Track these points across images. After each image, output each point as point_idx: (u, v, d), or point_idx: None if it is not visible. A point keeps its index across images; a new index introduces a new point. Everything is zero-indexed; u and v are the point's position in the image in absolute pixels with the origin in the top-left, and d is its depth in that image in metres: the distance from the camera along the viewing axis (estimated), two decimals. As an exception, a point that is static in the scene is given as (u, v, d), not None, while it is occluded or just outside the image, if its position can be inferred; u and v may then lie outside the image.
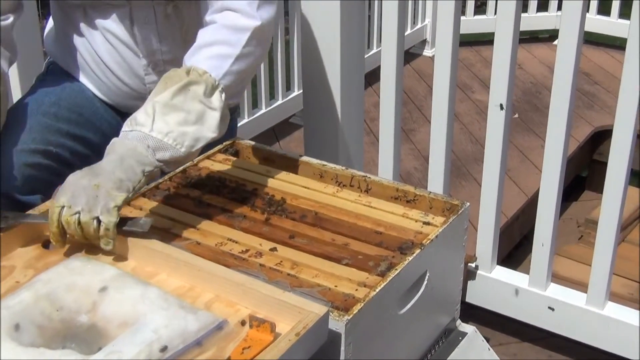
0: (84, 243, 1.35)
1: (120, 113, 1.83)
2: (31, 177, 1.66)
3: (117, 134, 1.82)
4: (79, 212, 1.30)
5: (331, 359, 1.26)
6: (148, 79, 1.75)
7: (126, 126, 1.44)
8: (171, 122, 1.42)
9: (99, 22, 1.70)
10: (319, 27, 2.11)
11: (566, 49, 1.81)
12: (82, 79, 1.81)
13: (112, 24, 1.69)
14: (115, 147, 1.41)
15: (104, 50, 1.73)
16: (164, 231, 1.49)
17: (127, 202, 1.41)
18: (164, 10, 1.69)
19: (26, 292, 1.19)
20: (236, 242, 1.46)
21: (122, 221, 1.34)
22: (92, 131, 1.79)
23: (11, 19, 1.63)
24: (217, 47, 1.52)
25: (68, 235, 1.34)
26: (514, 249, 2.89)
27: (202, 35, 1.55)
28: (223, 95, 1.49)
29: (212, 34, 1.54)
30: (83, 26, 1.72)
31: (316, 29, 2.11)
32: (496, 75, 1.92)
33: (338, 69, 2.03)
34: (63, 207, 1.31)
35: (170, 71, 1.50)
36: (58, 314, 1.17)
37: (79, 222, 1.30)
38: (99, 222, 1.31)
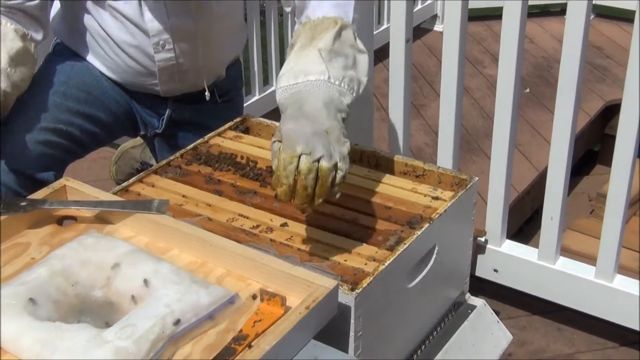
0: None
1: (128, 91, 1.85)
2: (43, 154, 1.68)
3: (125, 112, 1.85)
4: (320, 159, 1.22)
5: (341, 331, 1.28)
6: (158, 57, 1.76)
7: (293, 78, 1.36)
8: (338, 68, 1.37)
9: (107, 2, 1.71)
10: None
11: (575, 22, 1.81)
12: (90, 57, 1.82)
13: (120, 3, 1.70)
14: (308, 97, 1.32)
15: (113, 28, 1.74)
16: (176, 207, 1.51)
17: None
18: None
19: (42, 268, 1.21)
20: (247, 218, 1.48)
21: (136, 203, 1.37)
22: (101, 109, 1.81)
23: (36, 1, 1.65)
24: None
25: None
26: (525, 223, 2.90)
27: None
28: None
29: None
30: (91, 5, 1.73)
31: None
32: (505, 49, 1.92)
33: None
34: (300, 155, 1.22)
35: (310, 22, 1.45)
36: (73, 289, 1.20)
37: (320, 170, 1.23)
38: (335, 170, 1.24)
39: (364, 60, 1.44)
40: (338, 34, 1.42)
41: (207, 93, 1.85)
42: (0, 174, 1.63)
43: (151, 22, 1.72)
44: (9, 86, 1.57)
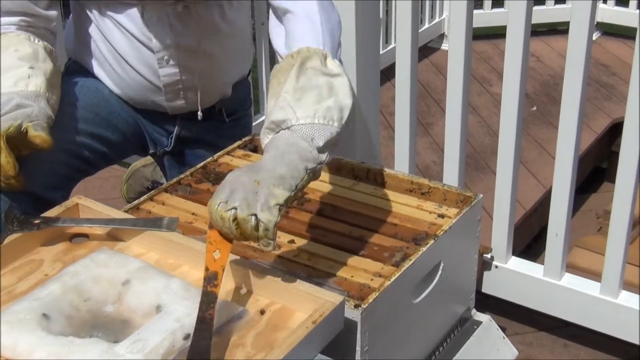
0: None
1: (137, 110, 1.87)
2: (51, 174, 1.70)
3: (134, 132, 1.88)
4: (235, 208, 1.22)
5: (348, 346, 1.30)
6: (162, 72, 1.78)
7: (269, 133, 1.36)
8: (310, 104, 1.35)
9: (113, 18, 1.74)
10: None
11: (577, 40, 1.83)
12: (99, 73, 1.83)
13: (125, 19, 1.73)
14: (276, 143, 1.33)
15: (120, 42, 1.76)
16: (186, 225, 1.54)
17: (288, 202, 1.26)
18: (174, 10, 1.71)
19: (55, 284, 1.24)
20: (255, 235, 1.50)
21: (147, 221, 1.40)
22: (109, 129, 1.83)
23: (55, 12, 1.69)
24: (305, 25, 1.49)
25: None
26: (533, 241, 2.91)
27: (288, 25, 1.54)
28: (335, 60, 1.46)
29: (294, 22, 1.52)
30: (99, 20, 1.75)
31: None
32: (509, 67, 1.95)
33: (354, 65, 2.06)
34: (219, 203, 1.23)
35: (275, 66, 1.47)
36: (85, 305, 1.23)
37: (235, 219, 1.22)
38: (258, 220, 1.21)
39: (341, 82, 1.42)
40: (300, 69, 1.40)
41: (199, 113, 1.84)
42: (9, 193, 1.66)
43: (155, 39, 1.74)
44: (52, 112, 1.59)
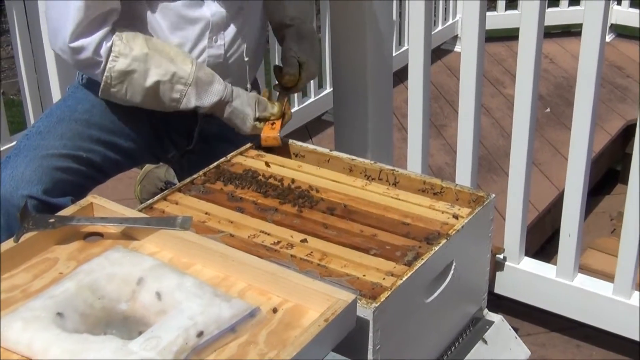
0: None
1: (156, 115, 1.89)
2: (61, 181, 1.72)
3: (148, 141, 1.90)
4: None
5: (360, 345, 1.31)
6: (210, 52, 1.81)
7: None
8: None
9: (160, 10, 1.76)
10: (347, 26, 2.15)
11: (590, 41, 1.84)
12: None
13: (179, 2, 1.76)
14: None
15: (165, 31, 1.78)
16: (199, 224, 1.54)
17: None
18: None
19: (69, 282, 1.25)
20: (268, 234, 1.51)
21: (161, 220, 1.41)
22: (123, 137, 1.85)
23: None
24: None
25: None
26: (546, 242, 2.91)
27: None
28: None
29: None
30: (141, 12, 1.77)
31: (344, 27, 2.16)
32: (522, 68, 1.95)
33: (366, 67, 2.07)
34: None
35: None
36: (100, 303, 1.23)
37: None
38: None
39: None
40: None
41: (248, 85, 1.93)
42: (18, 199, 1.67)
43: (213, 15, 1.78)
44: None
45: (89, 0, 1.63)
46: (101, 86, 1.73)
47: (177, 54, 1.74)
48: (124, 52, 1.68)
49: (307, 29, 1.94)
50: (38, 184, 1.69)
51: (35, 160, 1.72)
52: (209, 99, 1.75)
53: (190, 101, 1.74)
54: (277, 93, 1.92)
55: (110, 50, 1.69)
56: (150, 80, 1.71)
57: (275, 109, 1.79)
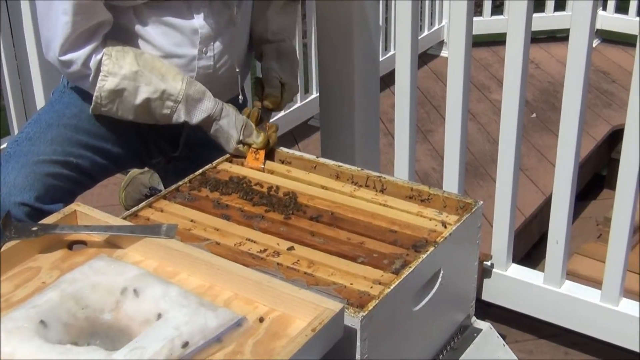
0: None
1: (136, 125, 1.87)
2: (53, 187, 1.71)
3: (134, 146, 1.89)
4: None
5: (347, 354, 1.29)
6: (199, 64, 1.80)
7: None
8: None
9: (152, 17, 1.74)
10: (334, 30, 2.14)
11: (577, 47, 1.83)
12: None
13: (170, 11, 1.74)
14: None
15: (158, 40, 1.76)
16: (185, 232, 1.53)
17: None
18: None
19: (52, 291, 1.23)
20: (254, 242, 1.50)
21: (145, 228, 1.39)
22: (110, 143, 1.84)
23: None
24: None
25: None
26: (533, 248, 2.91)
27: None
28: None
29: None
30: (134, 21, 1.74)
31: (331, 31, 2.15)
32: (509, 74, 1.94)
33: (353, 72, 2.06)
34: None
35: None
36: (83, 312, 1.22)
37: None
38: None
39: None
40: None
41: (240, 97, 1.96)
42: (10, 206, 1.66)
43: (202, 27, 1.76)
44: None
45: (76, 16, 1.62)
46: (92, 105, 1.73)
47: (168, 70, 1.73)
48: (112, 70, 1.68)
49: (288, 47, 1.93)
50: (30, 190, 1.68)
51: (27, 166, 1.70)
52: (197, 116, 1.76)
53: (180, 116, 1.75)
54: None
55: (99, 64, 1.68)
56: (140, 98, 1.70)
57: (259, 138, 1.78)
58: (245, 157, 1.79)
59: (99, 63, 1.68)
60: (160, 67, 1.73)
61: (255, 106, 1.86)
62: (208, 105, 1.76)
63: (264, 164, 1.78)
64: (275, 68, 1.87)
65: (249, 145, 1.78)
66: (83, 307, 1.22)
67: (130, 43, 1.76)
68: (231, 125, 1.77)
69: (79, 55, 1.67)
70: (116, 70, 1.68)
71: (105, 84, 1.68)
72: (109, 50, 1.69)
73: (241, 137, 1.78)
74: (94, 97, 1.71)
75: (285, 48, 1.92)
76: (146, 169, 2.43)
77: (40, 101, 2.70)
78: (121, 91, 1.70)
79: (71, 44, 1.66)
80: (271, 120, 1.95)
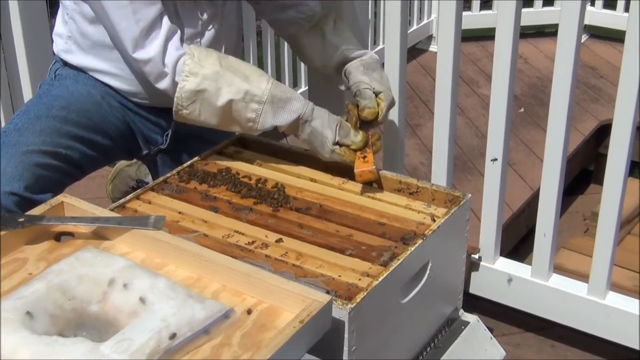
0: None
1: (131, 112, 1.86)
2: (42, 177, 1.70)
3: (123, 137, 1.89)
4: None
5: (335, 346, 1.29)
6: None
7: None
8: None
9: None
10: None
11: (566, 42, 1.84)
12: (105, 69, 1.82)
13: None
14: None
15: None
16: (172, 224, 1.52)
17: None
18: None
19: (39, 283, 1.23)
20: (242, 234, 1.50)
21: (133, 220, 1.38)
22: (100, 134, 1.83)
23: None
24: None
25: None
26: (521, 242, 2.91)
27: None
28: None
29: None
30: None
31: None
32: (498, 69, 1.94)
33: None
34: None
35: None
36: (70, 304, 1.21)
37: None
38: None
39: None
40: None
41: None
42: (0, 196, 1.65)
43: (187, 26, 1.75)
44: None
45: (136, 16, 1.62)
46: (173, 108, 1.67)
47: (252, 72, 1.67)
48: (194, 70, 1.63)
49: (370, 59, 1.84)
50: (20, 180, 1.67)
51: (16, 156, 1.69)
52: (286, 117, 1.66)
53: (267, 120, 1.66)
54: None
55: (177, 62, 1.65)
56: (222, 100, 1.64)
57: (358, 137, 1.65)
58: (342, 160, 1.66)
59: (177, 62, 1.64)
60: (244, 69, 1.67)
61: (351, 114, 1.74)
62: (297, 105, 1.66)
63: (374, 165, 1.64)
64: (364, 80, 1.77)
65: (347, 147, 1.66)
66: (70, 299, 1.22)
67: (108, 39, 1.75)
68: (325, 125, 1.66)
69: (152, 51, 1.64)
70: (197, 69, 1.63)
71: (187, 84, 1.63)
72: (192, 50, 1.65)
73: (337, 138, 1.66)
74: (175, 99, 1.65)
75: (367, 61, 1.83)
76: (134, 161, 2.42)
77: (27, 93, 2.68)
78: (202, 92, 1.63)
79: (141, 37, 1.63)
80: None
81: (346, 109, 1.74)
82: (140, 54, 1.64)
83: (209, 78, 1.63)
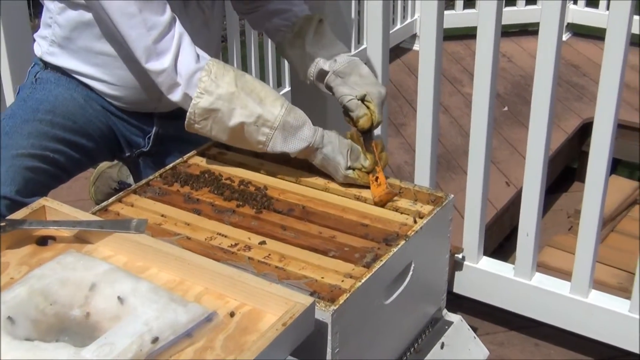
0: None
1: (114, 115, 1.86)
2: (32, 180, 1.70)
3: (106, 139, 1.88)
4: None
5: (318, 348, 1.29)
6: None
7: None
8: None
9: None
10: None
11: (547, 41, 1.84)
12: (89, 73, 1.81)
13: None
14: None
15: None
16: (155, 227, 1.52)
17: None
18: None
19: (20, 287, 1.22)
20: (225, 237, 1.49)
21: (115, 223, 1.38)
22: (84, 137, 1.82)
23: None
24: None
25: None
26: (504, 240, 2.92)
27: None
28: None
29: None
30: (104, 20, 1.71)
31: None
32: (480, 67, 1.95)
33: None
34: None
35: None
36: (52, 308, 1.21)
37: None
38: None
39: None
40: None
41: None
42: None
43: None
44: None
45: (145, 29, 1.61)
46: (185, 121, 1.66)
47: (267, 94, 1.65)
48: (209, 89, 1.61)
49: (343, 65, 1.80)
50: (11, 184, 1.66)
51: (7, 160, 1.69)
52: (296, 145, 1.65)
53: (276, 145, 1.65)
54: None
55: (192, 76, 1.63)
56: (234, 121, 1.63)
57: (367, 162, 1.67)
58: (356, 183, 1.67)
59: (192, 75, 1.63)
60: (259, 91, 1.65)
61: (352, 131, 1.74)
62: (307, 133, 1.65)
63: (387, 186, 1.65)
64: (345, 92, 1.75)
65: (360, 170, 1.67)
66: (52, 303, 1.21)
67: (94, 43, 1.75)
68: (336, 151, 1.67)
69: (166, 62, 1.63)
70: (213, 88, 1.61)
71: (200, 101, 1.61)
72: (210, 66, 1.63)
73: (349, 163, 1.67)
74: (187, 113, 1.64)
75: (340, 68, 1.80)
76: (115, 162, 2.41)
77: (9, 97, 2.67)
78: (215, 111, 1.62)
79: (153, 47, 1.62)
80: None
81: (348, 137, 1.72)
82: (153, 65, 1.63)
83: (223, 98, 1.62)
